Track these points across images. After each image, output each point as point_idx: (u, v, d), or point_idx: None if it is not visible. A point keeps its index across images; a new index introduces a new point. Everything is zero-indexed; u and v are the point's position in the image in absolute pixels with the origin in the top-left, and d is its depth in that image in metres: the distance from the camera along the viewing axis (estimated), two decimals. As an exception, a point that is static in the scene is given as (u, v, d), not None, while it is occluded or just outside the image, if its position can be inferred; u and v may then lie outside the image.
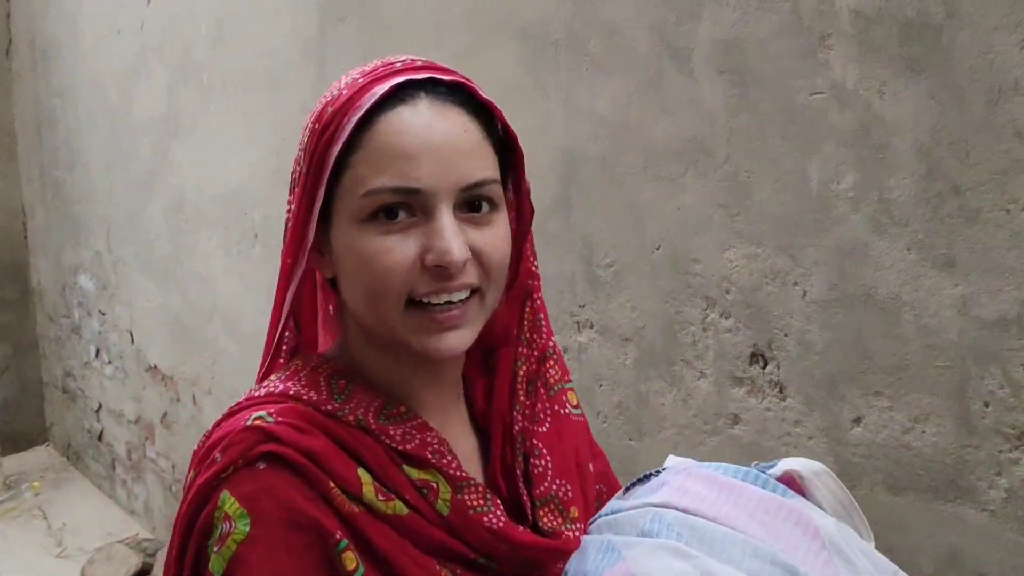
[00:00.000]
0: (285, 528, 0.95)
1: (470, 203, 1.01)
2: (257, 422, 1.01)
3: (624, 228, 2.23)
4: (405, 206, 0.99)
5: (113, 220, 4.67)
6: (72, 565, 4.48)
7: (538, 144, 2.39)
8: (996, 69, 1.58)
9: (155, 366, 4.54)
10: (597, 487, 1.26)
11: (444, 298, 1.00)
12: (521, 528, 1.06)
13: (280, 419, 1.02)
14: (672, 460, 1.22)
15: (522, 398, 1.13)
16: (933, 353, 1.70)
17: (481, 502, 1.05)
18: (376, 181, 0.98)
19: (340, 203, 1.02)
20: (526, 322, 1.16)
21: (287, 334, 1.19)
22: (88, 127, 4.74)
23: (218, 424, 1.07)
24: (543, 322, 1.17)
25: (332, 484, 0.98)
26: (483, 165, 1.02)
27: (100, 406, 5.18)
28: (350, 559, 0.97)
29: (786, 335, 1.94)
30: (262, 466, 0.97)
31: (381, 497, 1.00)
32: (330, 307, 1.21)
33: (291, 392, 1.07)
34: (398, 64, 1.05)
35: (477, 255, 1.01)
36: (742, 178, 1.97)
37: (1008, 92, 1.57)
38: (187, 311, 4.17)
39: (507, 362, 1.15)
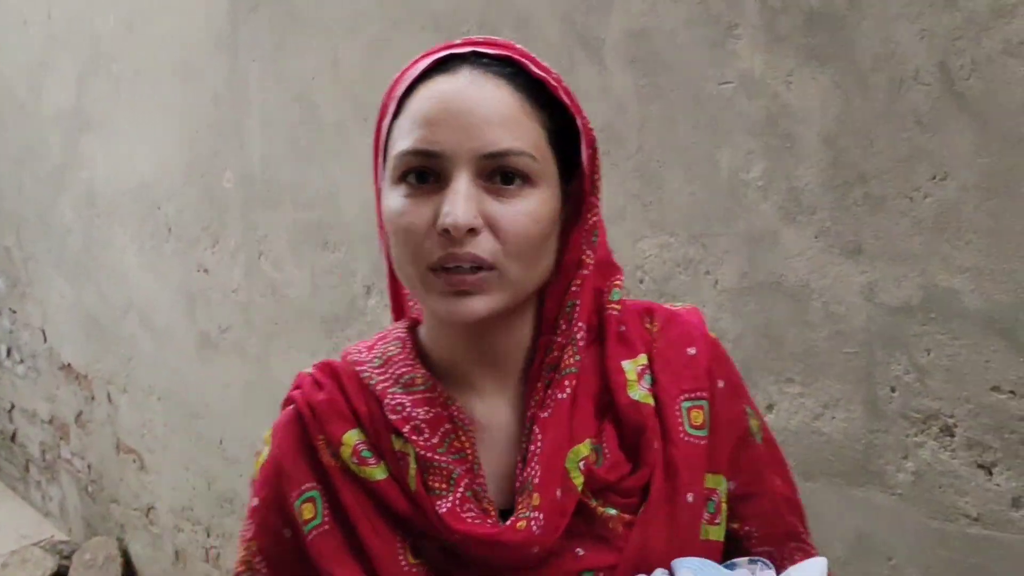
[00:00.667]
0: (274, 465, 1.10)
1: (501, 174, 0.98)
2: (304, 372, 1.15)
3: (539, 219, 2.22)
4: (430, 171, 0.98)
5: (23, 216, 4.56)
6: (-15, 570, 4.38)
7: (452, 135, 2.38)
8: (898, 58, 1.60)
9: (69, 364, 4.45)
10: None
11: (453, 264, 0.97)
12: (469, 518, 1.02)
13: (314, 372, 1.13)
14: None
15: (539, 385, 1.07)
16: (841, 339, 1.72)
17: (443, 486, 1.03)
18: (403, 144, 0.99)
19: (385, 169, 1.04)
20: (565, 310, 1.08)
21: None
22: (-5, 120, 4.63)
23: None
24: (575, 312, 1.07)
25: (320, 436, 1.07)
26: (514, 136, 0.98)
27: (12, 406, 5.06)
28: (308, 510, 1.07)
29: (699, 324, 1.95)
30: (289, 408, 1.13)
31: (355, 460, 1.05)
32: None
33: (350, 350, 1.15)
34: (458, 41, 1.05)
35: (493, 226, 0.97)
36: (654, 168, 1.97)
37: (909, 81, 1.59)
38: (101, 307, 4.08)
39: (541, 351, 1.09)
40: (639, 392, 1.08)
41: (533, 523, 1.00)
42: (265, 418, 3.28)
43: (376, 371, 1.10)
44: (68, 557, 4.37)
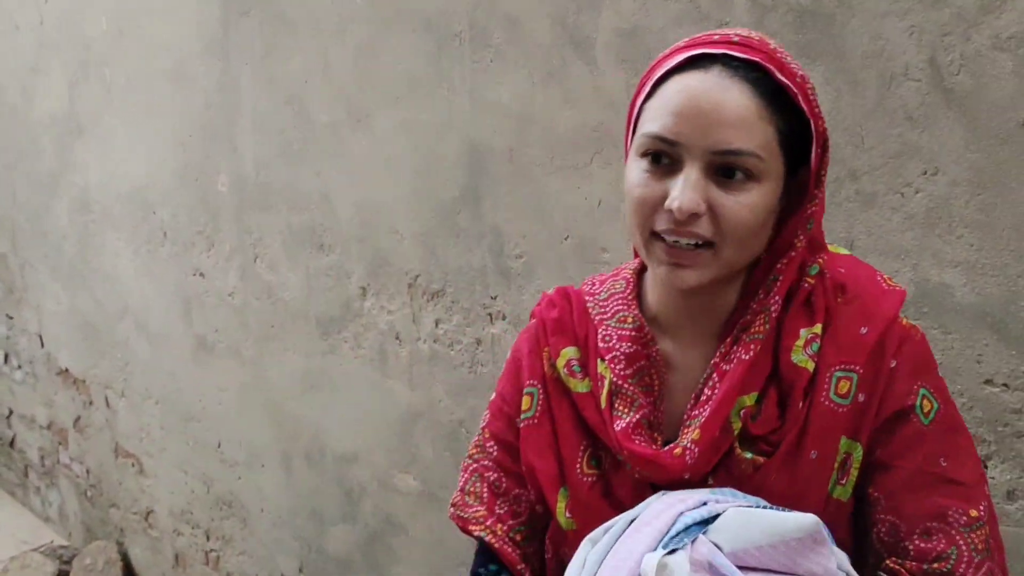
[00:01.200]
0: (514, 363, 1.39)
1: (725, 168, 1.11)
2: (547, 293, 1.40)
3: (533, 219, 2.23)
4: (667, 154, 1.13)
5: (17, 222, 4.55)
6: (-15, 576, 4.37)
7: (444, 137, 2.38)
8: (887, 55, 1.60)
9: (66, 369, 4.44)
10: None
11: (673, 239, 1.13)
12: (638, 439, 1.21)
13: (553, 294, 1.39)
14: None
15: (728, 341, 1.22)
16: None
17: (626, 409, 1.23)
18: (649, 127, 1.14)
19: (632, 141, 1.19)
20: (768, 282, 1.22)
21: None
22: (-12, 126, 4.62)
23: None
24: (775, 284, 1.21)
25: (545, 347, 1.33)
26: (746, 137, 1.10)
27: (11, 412, 5.05)
28: (526, 402, 1.34)
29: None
30: (532, 321, 1.40)
31: (566, 371, 1.30)
32: None
33: (588, 280, 1.39)
34: (716, 36, 1.17)
35: (714, 212, 1.11)
36: (646, 166, 1.97)
37: (899, 77, 1.59)
38: (97, 312, 4.08)
39: (738, 313, 1.25)
40: (801, 356, 1.19)
41: (688, 453, 1.17)
42: (262, 420, 3.29)
43: (600, 303, 1.32)
44: (68, 562, 4.36)
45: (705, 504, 1.11)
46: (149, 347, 3.77)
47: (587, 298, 1.34)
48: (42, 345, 4.60)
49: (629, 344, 1.26)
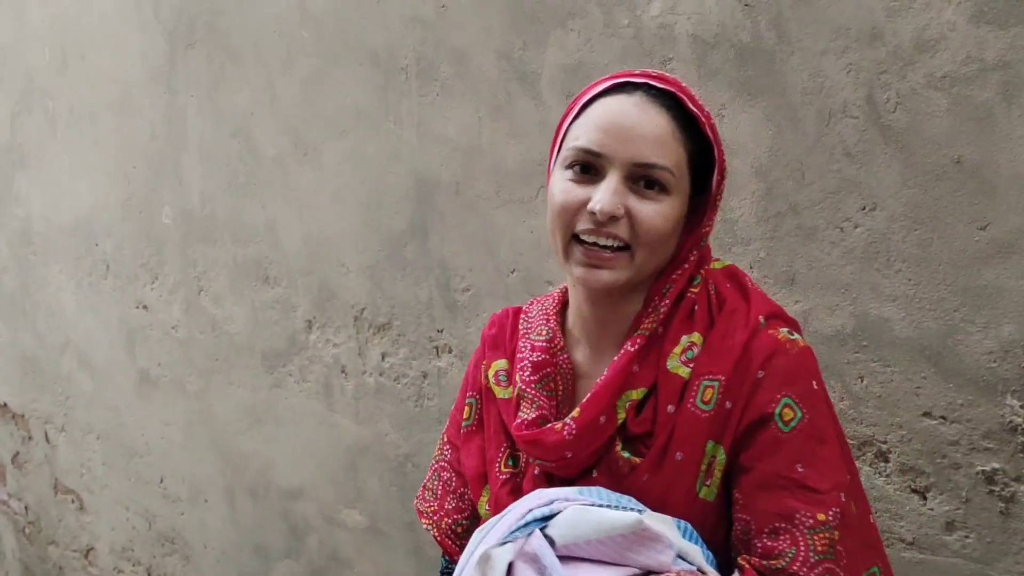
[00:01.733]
0: (467, 376, 1.56)
1: (645, 180, 1.24)
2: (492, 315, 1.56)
3: (479, 252, 2.23)
4: (591, 165, 1.25)
5: (-44, 253, 4.48)
6: (-81, 617, 4.26)
7: (391, 170, 2.38)
8: (826, 92, 1.63)
9: (5, 404, 4.36)
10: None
11: (593, 239, 1.24)
12: (523, 423, 1.33)
13: (498, 314, 1.53)
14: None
15: (627, 343, 1.31)
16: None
17: (527, 408, 1.35)
18: (576, 141, 1.27)
19: (558, 157, 1.32)
20: (663, 291, 1.32)
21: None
22: (-73, 157, 4.55)
23: None
24: (667, 291, 1.32)
25: (483, 361, 1.48)
26: (662, 153, 1.24)
27: (-53, 448, 4.96)
28: (466, 411, 1.50)
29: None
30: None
31: (494, 381, 1.42)
32: None
33: (532, 300, 1.51)
34: (637, 71, 1.32)
35: (631, 217, 1.23)
36: (591, 201, 1.98)
37: (838, 114, 1.62)
38: (38, 346, 4.01)
39: (637, 319, 1.34)
40: (675, 363, 1.28)
41: (566, 430, 1.27)
42: (206, 455, 3.25)
43: (530, 319, 1.44)
44: (5, 601, 4.27)
45: (553, 502, 1.20)
46: (91, 381, 3.72)
47: (522, 316, 1.47)
48: (-19, 379, 4.52)
49: (539, 354, 1.37)
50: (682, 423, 1.25)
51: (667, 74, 1.32)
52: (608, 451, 1.29)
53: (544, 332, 1.39)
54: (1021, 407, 1.50)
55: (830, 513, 1.18)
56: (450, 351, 2.34)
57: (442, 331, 2.35)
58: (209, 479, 3.21)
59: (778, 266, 1.72)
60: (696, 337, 1.29)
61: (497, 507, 1.33)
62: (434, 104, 2.26)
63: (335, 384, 2.66)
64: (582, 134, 1.26)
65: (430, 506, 1.51)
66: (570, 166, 1.27)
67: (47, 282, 3.86)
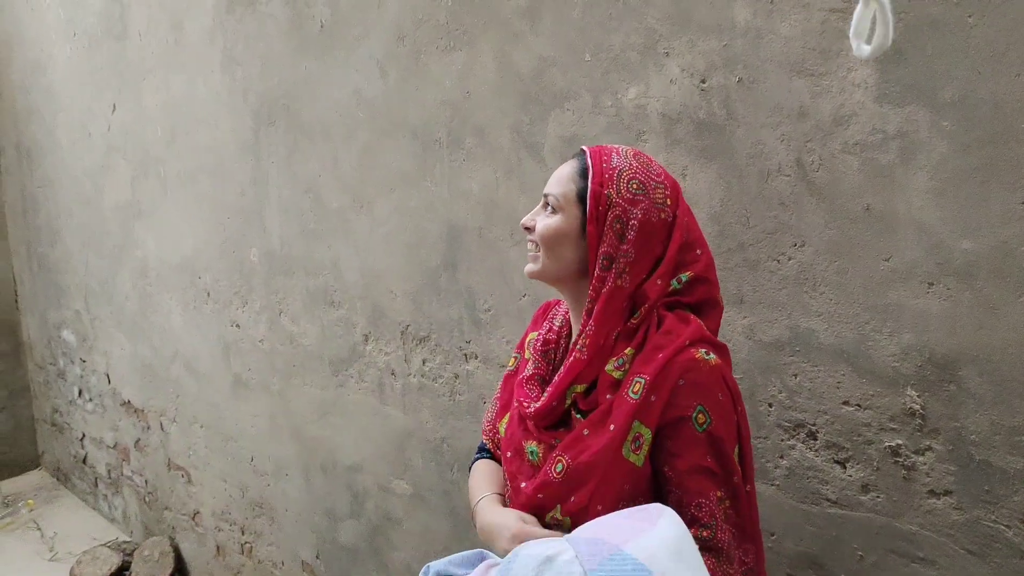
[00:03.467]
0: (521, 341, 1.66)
1: (546, 203, 1.43)
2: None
3: (497, 281, 2.24)
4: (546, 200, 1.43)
5: (89, 286, 4.49)
6: (62, 567, 4.24)
7: (428, 219, 2.40)
8: (765, 156, 1.64)
9: (128, 401, 4.36)
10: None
11: (528, 239, 1.46)
12: (528, 388, 1.49)
13: (547, 301, 1.68)
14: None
15: (578, 339, 1.41)
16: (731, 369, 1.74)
17: (530, 366, 1.52)
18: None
19: None
20: (586, 308, 1.41)
21: None
22: (66, 212, 4.56)
23: None
24: (589, 308, 1.39)
25: (529, 331, 1.63)
26: (559, 188, 1.41)
27: (83, 435, 4.95)
28: (512, 362, 1.63)
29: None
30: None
31: (529, 347, 1.56)
32: None
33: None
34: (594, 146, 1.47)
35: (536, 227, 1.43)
36: (584, 241, 1.99)
37: (774, 173, 1.63)
38: (153, 356, 4.02)
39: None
40: (611, 367, 1.36)
41: (533, 408, 1.43)
42: (286, 439, 3.24)
43: (558, 309, 1.59)
44: (130, 554, 4.26)
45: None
46: (195, 383, 3.73)
47: (555, 306, 1.61)
48: (109, 382, 4.52)
49: (551, 333, 1.54)
50: (616, 404, 1.33)
51: (616, 146, 1.43)
52: (568, 416, 1.41)
53: (559, 318, 1.55)
54: (918, 396, 1.50)
55: (723, 491, 1.30)
56: (476, 357, 2.35)
57: (470, 342, 2.36)
58: (288, 458, 3.22)
59: (730, 290, 1.73)
60: (629, 351, 1.35)
61: (510, 425, 1.51)
62: (461, 167, 2.28)
63: (386, 383, 2.67)
64: None
65: (484, 424, 1.69)
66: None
67: (160, 307, 3.87)
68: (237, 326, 3.35)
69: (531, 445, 1.43)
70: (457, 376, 2.41)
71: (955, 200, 1.41)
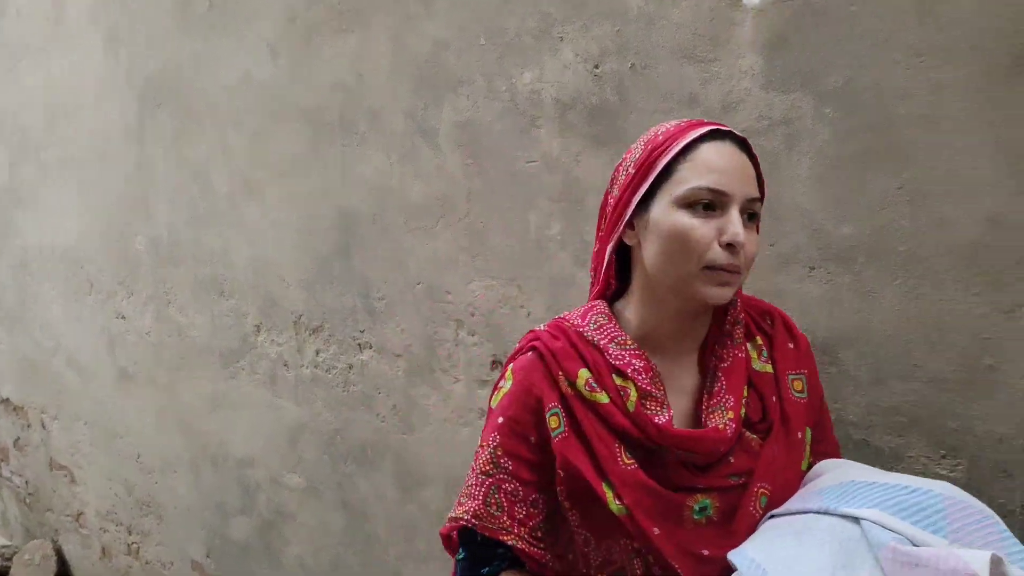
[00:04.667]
0: (523, 390, 1.21)
1: (748, 212, 1.14)
2: (536, 330, 1.27)
3: (392, 269, 2.18)
4: (713, 203, 1.12)
5: (-36, 276, 4.22)
6: (-66, 574, 3.99)
7: (321, 204, 2.32)
8: (656, 142, 1.63)
9: (7, 399, 4.12)
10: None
11: (731, 267, 1.12)
12: (682, 428, 1.17)
13: (547, 329, 1.25)
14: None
15: (716, 348, 1.23)
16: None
17: (656, 407, 1.17)
18: (699, 182, 1.12)
19: (665, 193, 1.15)
20: (734, 301, 1.23)
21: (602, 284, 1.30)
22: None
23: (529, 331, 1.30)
24: (738, 301, 1.24)
25: (560, 372, 1.19)
26: (756, 189, 1.16)
27: (-42, 435, 4.66)
28: (555, 421, 1.18)
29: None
30: (530, 354, 1.23)
31: (587, 388, 1.17)
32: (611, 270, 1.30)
33: (567, 317, 1.26)
34: (705, 120, 1.20)
35: (743, 245, 1.12)
36: (479, 227, 1.96)
37: (665, 159, 1.63)
38: (34, 350, 3.80)
39: (716, 328, 1.25)
40: (759, 364, 1.24)
41: (729, 428, 1.16)
42: (174, 434, 3.11)
43: (594, 332, 1.22)
44: (9, 559, 4.01)
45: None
46: (79, 378, 3.54)
47: (580, 330, 1.23)
48: (-14, 378, 4.26)
49: (638, 360, 1.19)
50: (790, 409, 1.21)
51: (720, 122, 1.21)
52: (741, 436, 1.18)
53: (629, 342, 1.21)
54: (804, 379, 1.52)
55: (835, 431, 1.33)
56: (371, 347, 2.29)
57: (364, 331, 2.29)
58: (177, 454, 3.08)
59: (622, 276, 1.72)
60: (759, 340, 1.24)
61: (637, 492, 1.14)
62: (355, 152, 2.21)
63: (279, 375, 2.58)
64: (700, 175, 1.12)
65: (502, 522, 1.21)
66: (692, 204, 1.12)
67: (41, 298, 3.66)
68: (122, 318, 3.19)
69: (701, 501, 1.16)
70: (351, 367, 2.34)
71: (836, 186, 1.42)
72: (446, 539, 1.28)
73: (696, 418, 1.20)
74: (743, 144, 1.16)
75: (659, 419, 1.15)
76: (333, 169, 2.27)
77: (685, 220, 1.12)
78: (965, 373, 1.33)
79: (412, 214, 2.10)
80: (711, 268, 1.12)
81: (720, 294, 1.14)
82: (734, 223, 1.10)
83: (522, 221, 1.87)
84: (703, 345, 1.25)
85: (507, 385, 1.23)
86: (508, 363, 1.26)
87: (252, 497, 2.80)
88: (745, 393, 1.19)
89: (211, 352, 2.81)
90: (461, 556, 1.26)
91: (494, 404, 1.25)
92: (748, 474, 1.16)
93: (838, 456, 1.30)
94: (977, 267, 1.31)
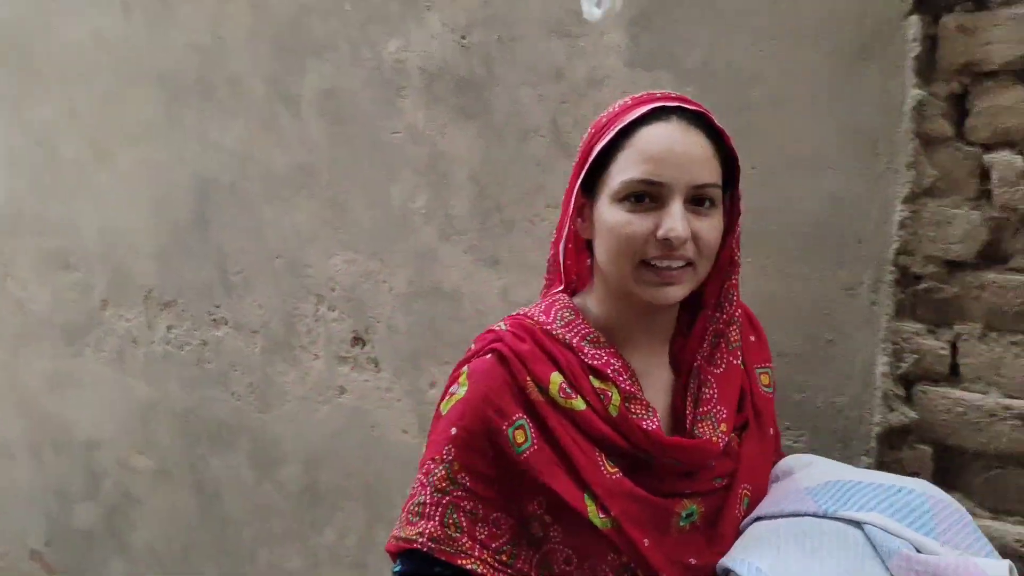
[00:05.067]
0: (480, 399, 1.07)
1: (697, 199, 1.04)
2: (496, 329, 1.13)
3: (251, 241, 2.09)
4: (649, 194, 1.03)
5: None
6: None
7: (176, 172, 2.20)
8: (522, 116, 1.63)
9: None
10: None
11: (666, 263, 1.03)
12: (672, 437, 1.10)
13: (510, 329, 1.12)
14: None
15: (706, 347, 1.15)
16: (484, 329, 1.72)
17: (642, 411, 1.08)
18: (631, 173, 1.03)
19: (604, 186, 1.07)
20: (722, 294, 1.15)
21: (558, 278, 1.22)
22: None
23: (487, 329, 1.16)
24: (734, 297, 1.15)
25: (527, 377, 1.07)
26: (710, 173, 1.04)
27: None
28: (520, 435, 1.06)
29: (378, 322, 1.90)
30: (489, 356, 1.09)
31: (562, 395, 1.06)
32: (588, 262, 1.20)
33: (529, 314, 1.15)
34: (658, 94, 1.08)
35: (695, 237, 1.03)
36: (342, 198, 1.91)
37: (531, 133, 1.62)
38: None
39: (703, 322, 1.16)
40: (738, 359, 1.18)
41: (722, 441, 1.10)
42: (13, 417, 2.89)
43: (563, 329, 1.11)
44: None
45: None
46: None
47: (547, 327, 1.11)
48: None
49: (616, 360, 1.10)
50: (760, 404, 1.17)
51: (683, 95, 1.10)
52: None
53: (602, 339, 1.11)
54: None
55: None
56: (227, 323, 2.19)
57: (219, 306, 2.19)
58: (15, 437, 2.86)
59: (486, 251, 1.71)
60: (735, 334, 1.17)
61: (624, 502, 1.06)
62: (213, 118, 2.10)
63: (127, 352, 2.43)
64: (633, 165, 1.03)
65: (462, 543, 1.07)
66: (625, 198, 1.04)
67: None
68: (-45, 291, 2.95)
69: (688, 507, 1.10)
70: (206, 343, 2.24)
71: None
72: (393, 556, 1.12)
73: (676, 419, 1.14)
74: (697, 120, 1.05)
75: (647, 424, 1.07)
76: (190, 135, 2.15)
77: (620, 215, 1.04)
78: (809, 347, 1.39)
79: (272, 184, 2.02)
80: (648, 266, 1.04)
81: (663, 294, 1.05)
82: (672, 216, 1.01)
83: (386, 193, 1.83)
84: (672, 337, 1.18)
85: (461, 391, 1.09)
86: (462, 365, 1.13)
87: (98, 481, 2.64)
88: (739, 408, 1.15)
89: (53, 327, 2.63)
90: (397, 569, 1.11)
91: (444, 410, 1.10)
92: (731, 475, 1.12)
93: (779, 447, 1.27)
94: (821, 245, 1.36)
